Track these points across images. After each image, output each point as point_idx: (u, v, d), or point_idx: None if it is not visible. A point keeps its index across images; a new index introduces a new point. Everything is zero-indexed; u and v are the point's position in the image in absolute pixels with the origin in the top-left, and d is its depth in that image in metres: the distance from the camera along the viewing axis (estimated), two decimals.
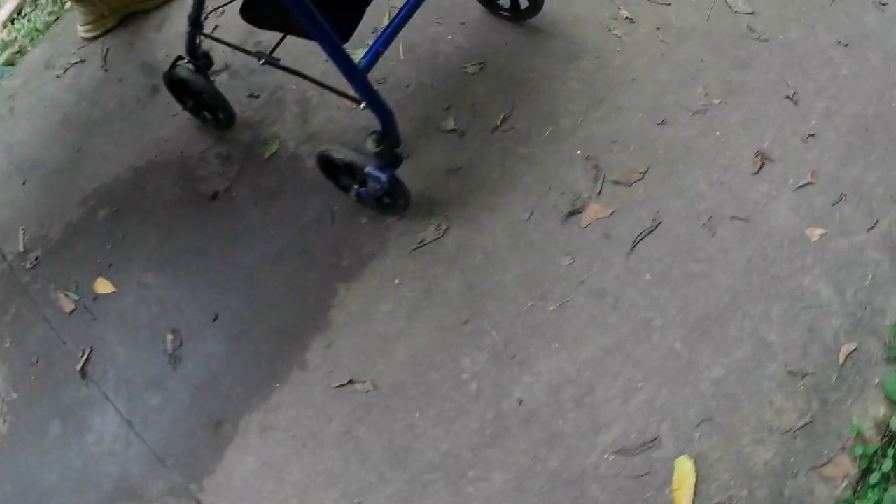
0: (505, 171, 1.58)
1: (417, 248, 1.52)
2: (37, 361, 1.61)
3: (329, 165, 1.51)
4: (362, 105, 1.29)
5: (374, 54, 1.30)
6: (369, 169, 1.38)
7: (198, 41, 1.53)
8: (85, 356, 1.58)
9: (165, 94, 1.75)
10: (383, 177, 1.38)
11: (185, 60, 1.59)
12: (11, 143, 1.95)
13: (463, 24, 1.79)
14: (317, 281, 1.54)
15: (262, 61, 1.37)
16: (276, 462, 1.38)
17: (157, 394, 1.51)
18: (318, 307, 1.52)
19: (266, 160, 1.70)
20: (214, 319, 1.55)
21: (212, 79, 1.64)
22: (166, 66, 1.63)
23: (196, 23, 1.49)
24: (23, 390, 1.58)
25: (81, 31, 2.03)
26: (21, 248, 1.82)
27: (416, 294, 1.48)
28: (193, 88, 1.63)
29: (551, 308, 1.41)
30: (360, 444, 1.37)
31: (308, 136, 1.71)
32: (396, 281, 1.50)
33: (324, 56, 1.21)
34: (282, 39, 1.43)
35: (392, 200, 1.51)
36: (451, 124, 1.66)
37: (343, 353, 1.46)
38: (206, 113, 1.73)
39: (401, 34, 1.36)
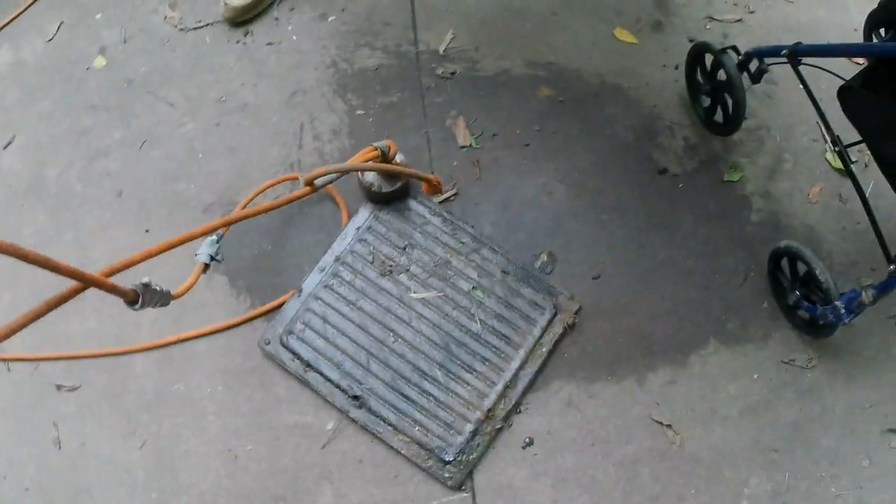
0: None
1: (787, 363, 1.52)
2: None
3: (786, 261, 1.47)
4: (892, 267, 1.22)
5: None
6: (838, 303, 1.31)
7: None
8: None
9: (665, 38, 1.68)
10: (846, 319, 1.31)
11: (740, 57, 1.50)
12: None
13: None
14: (698, 321, 1.56)
15: (837, 148, 1.32)
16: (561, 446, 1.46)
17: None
18: (684, 343, 1.54)
19: (723, 181, 1.67)
20: (595, 278, 1.58)
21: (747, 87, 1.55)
22: (712, 41, 1.58)
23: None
24: None
25: None
26: (441, 50, 1.82)
27: (759, 399, 1.50)
28: (726, 82, 1.54)
29: None
30: (637, 479, 1.43)
31: (768, 195, 1.67)
32: (755, 376, 1.51)
33: None
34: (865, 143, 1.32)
35: (823, 332, 1.47)
36: None
37: (676, 398, 1.49)
38: (708, 104, 1.67)
39: None
